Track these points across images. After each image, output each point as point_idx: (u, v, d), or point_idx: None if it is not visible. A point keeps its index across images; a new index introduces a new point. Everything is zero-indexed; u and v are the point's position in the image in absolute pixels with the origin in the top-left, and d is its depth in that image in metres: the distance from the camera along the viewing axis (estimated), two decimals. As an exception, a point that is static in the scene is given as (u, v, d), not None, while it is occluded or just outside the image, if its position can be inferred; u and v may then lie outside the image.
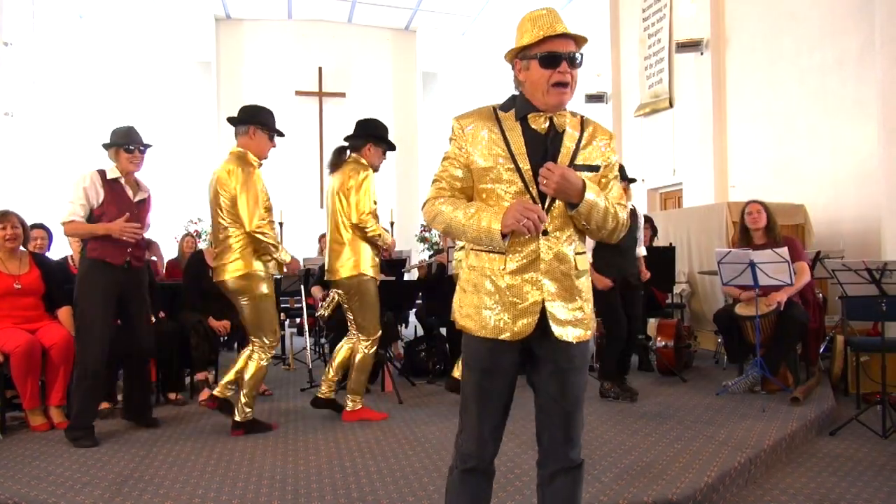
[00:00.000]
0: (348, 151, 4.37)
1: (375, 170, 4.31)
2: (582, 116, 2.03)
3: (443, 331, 6.09)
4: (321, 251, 8.85)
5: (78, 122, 11.84)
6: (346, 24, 14.01)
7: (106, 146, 3.98)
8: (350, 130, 4.43)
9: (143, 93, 12.94)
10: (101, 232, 3.80)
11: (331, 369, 4.41)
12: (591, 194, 1.87)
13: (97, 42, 12.65)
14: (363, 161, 4.27)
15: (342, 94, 13.81)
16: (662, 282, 6.12)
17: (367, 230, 4.15)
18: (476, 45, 14.16)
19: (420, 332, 6.31)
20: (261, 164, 4.02)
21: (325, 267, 4.32)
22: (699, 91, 8.80)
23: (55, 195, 10.02)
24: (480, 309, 1.94)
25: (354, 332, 4.32)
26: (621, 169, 4.69)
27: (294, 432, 4.00)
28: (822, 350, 5.40)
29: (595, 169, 1.97)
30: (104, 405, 4.41)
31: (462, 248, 4.31)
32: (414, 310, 6.50)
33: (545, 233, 1.90)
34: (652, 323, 6.02)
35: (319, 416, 4.39)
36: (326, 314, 4.97)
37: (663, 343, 5.60)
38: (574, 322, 1.93)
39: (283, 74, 13.67)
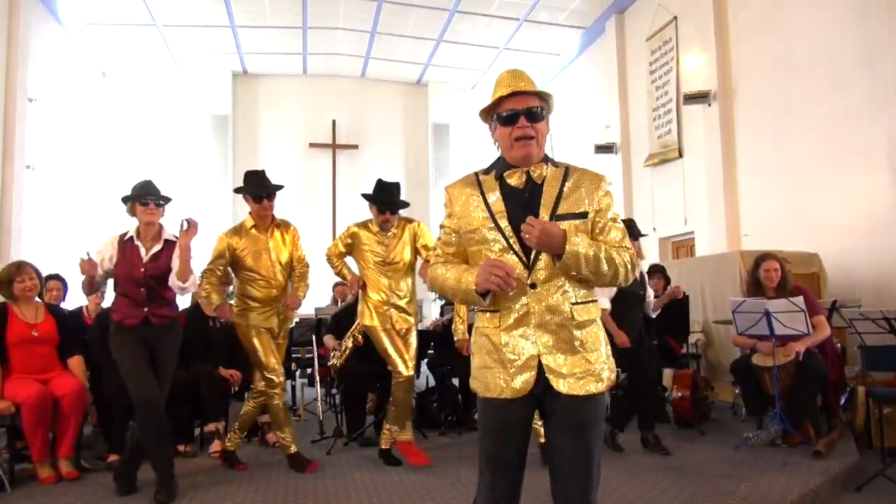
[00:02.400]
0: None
1: (382, 228, 4.49)
2: (567, 166, 2.02)
3: (455, 381, 6.02)
4: (335, 300, 8.85)
5: (98, 174, 12.13)
6: (360, 79, 14.36)
7: (124, 200, 3.92)
8: (362, 181, 4.56)
9: (162, 145, 13.28)
10: (85, 280, 3.89)
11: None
12: (575, 244, 1.83)
13: (118, 97, 13.06)
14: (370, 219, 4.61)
15: (355, 146, 14.06)
16: (677, 331, 6.06)
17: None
18: (486, 97, 14.38)
19: (432, 382, 6.24)
20: (254, 226, 4.36)
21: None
22: (708, 141, 8.89)
23: (73, 246, 10.20)
24: (483, 369, 1.96)
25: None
26: (632, 225, 4.72)
27: (305, 484, 3.93)
28: (843, 402, 5.28)
29: (582, 216, 1.94)
30: (112, 456, 4.37)
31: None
32: (426, 360, 6.44)
33: (533, 286, 1.90)
34: (668, 373, 5.91)
35: (329, 467, 4.32)
36: (339, 364, 4.95)
37: (679, 394, 5.48)
38: (579, 375, 1.89)
39: (297, 127, 13.96)
